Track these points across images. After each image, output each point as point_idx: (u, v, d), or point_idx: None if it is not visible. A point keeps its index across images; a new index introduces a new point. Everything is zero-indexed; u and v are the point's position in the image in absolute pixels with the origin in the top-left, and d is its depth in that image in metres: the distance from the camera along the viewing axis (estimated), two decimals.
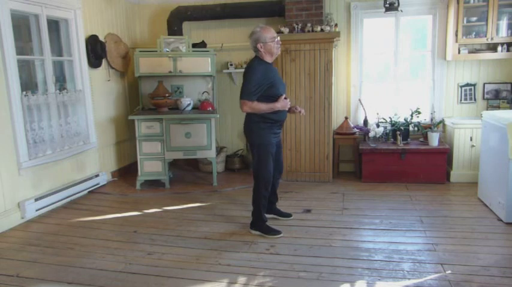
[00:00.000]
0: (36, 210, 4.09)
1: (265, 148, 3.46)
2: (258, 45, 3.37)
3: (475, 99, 5.26)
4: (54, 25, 4.59)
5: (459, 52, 4.98)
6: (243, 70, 5.51)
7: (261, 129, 3.44)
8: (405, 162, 4.98)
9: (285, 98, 3.46)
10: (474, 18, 4.90)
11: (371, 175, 5.09)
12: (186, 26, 5.75)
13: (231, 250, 3.30)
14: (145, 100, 5.49)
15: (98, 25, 5.12)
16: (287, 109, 3.50)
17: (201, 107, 5.34)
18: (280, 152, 3.79)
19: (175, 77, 5.42)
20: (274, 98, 3.41)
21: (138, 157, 4.98)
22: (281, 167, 3.84)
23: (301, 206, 4.29)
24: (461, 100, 5.31)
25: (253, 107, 3.34)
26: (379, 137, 5.26)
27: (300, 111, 3.65)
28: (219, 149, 5.67)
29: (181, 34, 5.57)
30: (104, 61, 5.19)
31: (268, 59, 3.45)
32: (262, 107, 3.36)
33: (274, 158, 3.59)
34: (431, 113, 5.35)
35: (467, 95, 5.27)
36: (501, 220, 3.72)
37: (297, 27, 5.03)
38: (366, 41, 5.49)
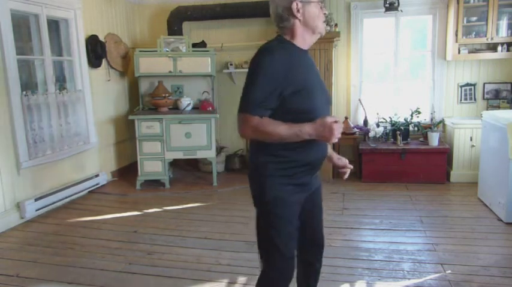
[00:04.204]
0: (36, 210, 4.08)
1: (279, 209, 1.84)
2: (294, 5, 1.75)
3: (475, 99, 5.26)
4: (54, 25, 4.59)
5: (459, 52, 4.98)
6: (243, 70, 5.58)
7: (270, 177, 1.82)
8: (405, 162, 4.98)
9: (335, 122, 1.70)
10: (474, 18, 4.90)
11: (371, 175, 5.08)
12: (186, 26, 5.74)
13: (231, 250, 3.29)
14: (145, 100, 5.49)
15: (98, 25, 5.11)
16: (331, 142, 1.73)
17: (201, 107, 5.34)
18: (316, 214, 2.09)
19: (175, 77, 5.42)
20: (308, 116, 1.74)
21: (138, 157, 4.98)
22: (321, 241, 2.14)
23: None
24: (461, 100, 5.31)
25: (260, 128, 1.70)
26: (379, 137, 5.26)
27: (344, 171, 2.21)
28: (219, 149, 5.67)
29: (181, 34, 5.57)
30: (104, 61, 5.19)
31: (306, 38, 1.83)
32: (279, 129, 1.70)
33: (304, 226, 1.97)
34: (431, 113, 5.35)
35: (467, 95, 5.27)
36: (501, 220, 3.72)
37: None
38: (366, 41, 5.49)
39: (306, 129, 1.71)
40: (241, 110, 1.74)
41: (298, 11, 1.75)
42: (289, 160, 1.82)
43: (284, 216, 1.86)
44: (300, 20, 1.77)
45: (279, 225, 1.86)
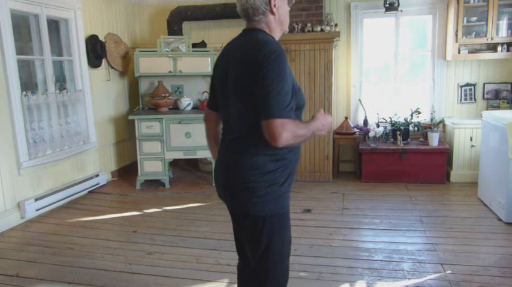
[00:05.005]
0: (36, 210, 4.09)
1: (285, 222, 1.79)
2: (276, 1, 1.71)
3: (475, 99, 5.26)
4: (54, 25, 4.59)
5: (459, 52, 4.97)
6: None
7: (280, 185, 1.72)
8: (405, 162, 4.98)
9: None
10: (474, 18, 4.90)
11: (371, 175, 5.08)
12: (186, 26, 5.75)
13: (231, 250, 3.28)
14: (145, 100, 5.49)
15: (98, 25, 5.12)
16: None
17: (201, 107, 5.34)
18: None
19: (175, 77, 5.42)
20: (298, 113, 1.74)
21: (138, 156, 4.98)
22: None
23: (301, 206, 4.29)
24: (461, 100, 5.31)
25: (297, 132, 1.58)
26: (379, 137, 5.26)
27: None
28: None
29: (181, 34, 5.57)
30: (104, 61, 5.19)
31: (278, 35, 1.80)
32: (305, 130, 1.65)
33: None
34: (431, 113, 5.35)
35: (467, 95, 5.27)
36: (501, 220, 3.72)
37: (297, 27, 5.03)
38: (366, 41, 5.48)
39: (316, 126, 1.69)
40: (275, 115, 1.52)
41: (274, 5, 1.70)
42: (289, 161, 1.74)
43: (288, 228, 1.80)
44: (275, 15, 1.73)
45: (284, 239, 1.78)
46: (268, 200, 1.70)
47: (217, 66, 1.83)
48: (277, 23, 1.75)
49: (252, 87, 1.58)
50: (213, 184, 5.09)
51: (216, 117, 1.95)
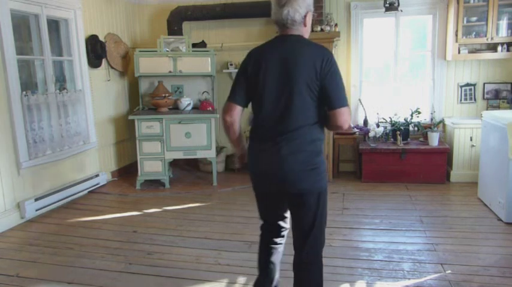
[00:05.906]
0: (36, 210, 4.08)
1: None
2: (308, 16, 2.03)
3: (475, 99, 5.26)
4: (54, 25, 4.59)
5: (459, 52, 4.98)
6: None
7: (325, 164, 2.16)
8: (405, 162, 4.98)
9: None
10: (474, 18, 4.90)
11: (371, 175, 5.08)
12: (186, 26, 5.74)
13: (231, 250, 3.30)
14: (145, 100, 5.49)
15: (98, 25, 5.12)
16: None
17: (201, 107, 5.35)
18: None
19: (175, 77, 5.42)
20: None
21: (138, 156, 4.98)
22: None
23: None
24: (461, 100, 5.31)
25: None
26: (379, 137, 5.26)
27: None
28: (219, 149, 5.67)
29: (181, 34, 5.57)
30: (104, 61, 5.19)
31: None
32: None
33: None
34: (431, 113, 5.35)
35: (467, 95, 5.27)
36: (501, 220, 3.72)
37: None
38: (366, 41, 5.48)
39: None
40: (345, 104, 1.98)
41: (309, 20, 2.03)
42: None
43: None
44: (306, 27, 2.05)
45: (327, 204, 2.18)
46: (324, 176, 2.09)
47: (258, 62, 2.02)
48: (305, 33, 2.08)
49: (322, 82, 1.94)
50: (214, 184, 5.09)
51: (240, 112, 2.10)
